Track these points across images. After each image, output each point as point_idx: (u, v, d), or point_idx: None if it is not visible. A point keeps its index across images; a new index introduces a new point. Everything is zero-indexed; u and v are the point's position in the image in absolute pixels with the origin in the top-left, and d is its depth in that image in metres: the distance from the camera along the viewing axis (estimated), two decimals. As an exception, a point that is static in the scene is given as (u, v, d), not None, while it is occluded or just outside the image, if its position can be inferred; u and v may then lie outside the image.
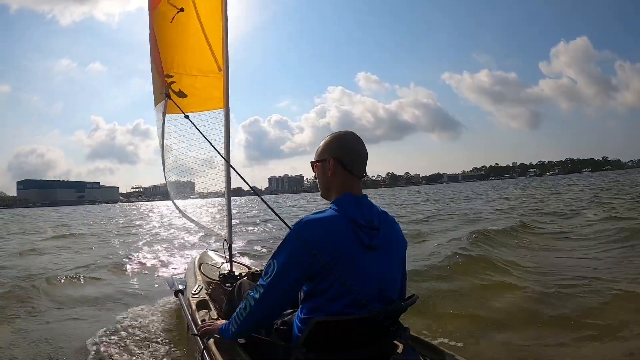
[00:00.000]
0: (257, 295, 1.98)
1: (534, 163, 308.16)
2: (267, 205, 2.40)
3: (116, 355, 3.82)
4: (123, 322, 4.59)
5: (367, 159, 2.16)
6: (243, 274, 3.96)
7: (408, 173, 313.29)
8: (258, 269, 4.14)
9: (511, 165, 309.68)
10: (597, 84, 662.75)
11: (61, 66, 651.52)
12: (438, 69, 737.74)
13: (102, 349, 3.94)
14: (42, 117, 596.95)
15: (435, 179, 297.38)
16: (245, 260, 5.89)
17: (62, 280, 7.08)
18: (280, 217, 2.20)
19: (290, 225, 1.98)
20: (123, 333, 4.30)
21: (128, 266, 8.64)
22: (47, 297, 5.79)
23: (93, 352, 3.85)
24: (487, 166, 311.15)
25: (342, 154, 2.09)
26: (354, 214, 1.98)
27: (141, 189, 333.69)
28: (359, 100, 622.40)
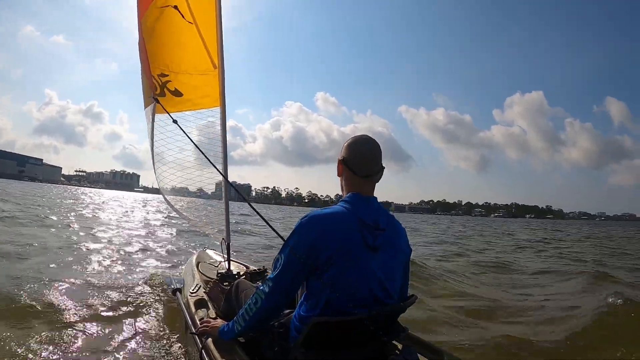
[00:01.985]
0: (267, 289, 2.05)
1: (480, 203, 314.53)
2: (259, 214, 2.48)
3: (113, 354, 3.77)
4: (120, 321, 4.55)
5: (374, 159, 2.19)
6: (241, 273, 3.99)
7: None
8: (256, 268, 4.22)
9: (457, 202, 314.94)
10: (547, 138, 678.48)
11: (26, 31, 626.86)
12: (396, 101, 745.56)
13: (100, 348, 3.86)
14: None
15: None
16: (243, 259, 5.74)
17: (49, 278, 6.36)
18: (270, 225, 2.30)
19: (282, 236, 2.10)
20: (120, 332, 4.25)
21: (127, 263, 8.35)
22: (31, 294, 5.28)
23: (90, 351, 3.77)
24: (435, 201, 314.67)
25: (347, 155, 2.18)
26: (361, 212, 2.04)
27: (84, 174, 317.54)
28: (315, 119, 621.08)
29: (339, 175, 2.25)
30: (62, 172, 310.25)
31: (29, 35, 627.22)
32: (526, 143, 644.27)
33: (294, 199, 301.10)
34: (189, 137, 3.44)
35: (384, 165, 2.23)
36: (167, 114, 3.96)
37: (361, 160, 2.17)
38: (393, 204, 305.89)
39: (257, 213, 2.45)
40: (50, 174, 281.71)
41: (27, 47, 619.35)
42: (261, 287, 2.10)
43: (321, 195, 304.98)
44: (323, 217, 2.02)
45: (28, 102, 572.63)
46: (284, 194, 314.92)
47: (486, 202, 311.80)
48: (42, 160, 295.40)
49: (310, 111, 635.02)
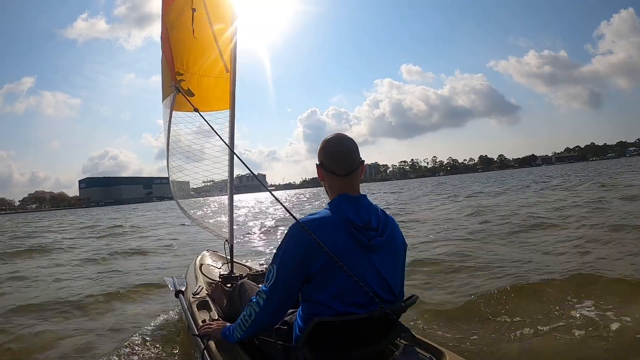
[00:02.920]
0: (260, 302, 2.07)
1: (630, 141, 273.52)
2: (278, 200, 2.51)
3: (116, 355, 3.91)
4: (123, 322, 4.76)
5: (351, 155, 2.18)
6: (244, 275, 4.01)
7: (502, 156, 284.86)
8: (259, 270, 4.30)
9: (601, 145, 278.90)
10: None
11: (128, 79, 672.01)
12: (481, 57, 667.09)
13: (102, 349, 4.06)
14: (112, 125, 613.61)
15: (528, 161, 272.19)
16: (246, 260, 5.83)
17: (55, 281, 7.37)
18: (291, 213, 2.23)
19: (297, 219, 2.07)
20: (123, 333, 4.43)
21: (128, 264, 9.06)
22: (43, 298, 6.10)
23: (92, 352, 3.98)
24: (582, 146, 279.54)
25: (324, 158, 2.20)
26: (349, 214, 2.03)
27: (212, 183, 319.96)
28: (407, 90, 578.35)
29: (320, 180, 2.26)
30: (191, 186, 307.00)
31: (131, 81, 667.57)
32: (635, 68, 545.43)
33: (436, 170, 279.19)
34: (213, 130, 3.50)
35: (362, 159, 2.22)
36: (182, 112, 4.35)
37: (338, 159, 2.17)
38: (539, 158, 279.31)
39: (278, 201, 2.50)
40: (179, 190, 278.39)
41: (131, 91, 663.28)
42: (254, 299, 2.11)
43: (465, 160, 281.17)
44: (311, 223, 1.99)
45: (144, 134, 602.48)
46: (425, 165, 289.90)
47: (638, 139, 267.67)
48: (167, 178, 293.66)
49: (401, 83, 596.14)
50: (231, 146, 4.34)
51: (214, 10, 4.23)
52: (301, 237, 1.94)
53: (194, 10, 4.12)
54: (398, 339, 2.25)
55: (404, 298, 2.18)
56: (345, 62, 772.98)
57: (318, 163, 2.21)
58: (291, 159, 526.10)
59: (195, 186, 5.22)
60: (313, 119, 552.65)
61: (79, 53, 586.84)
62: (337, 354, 2.02)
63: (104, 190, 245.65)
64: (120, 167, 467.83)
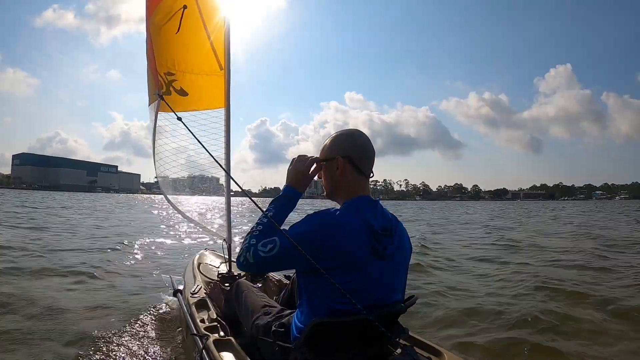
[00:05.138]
0: (264, 253, 1.92)
1: (597, 185, 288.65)
2: (260, 209, 2.22)
3: (114, 355, 3.84)
4: (121, 322, 4.57)
5: (374, 157, 2.15)
6: (242, 274, 3.98)
7: (477, 186, 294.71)
8: None
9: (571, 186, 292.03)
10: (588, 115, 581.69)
11: (88, 70, 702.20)
12: (424, 96, 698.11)
13: (99, 348, 3.92)
14: (66, 109, 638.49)
15: (499, 194, 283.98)
16: None
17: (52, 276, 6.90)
18: (273, 221, 2.12)
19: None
20: (121, 333, 4.29)
21: (126, 263, 8.56)
22: (35, 295, 5.53)
23: (89, 352, 3.84)
24: (551, 185, 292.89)
25: (353, 152, 2.07)
26: (370, 219, 1.97)
27: (186, 179, 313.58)
28: (352, 115, 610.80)
29: (340, 174, 2.07)
30: (141, 180, 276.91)
31: (90, 72, 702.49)
32: (572, 121, 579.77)
33: (407, 194, 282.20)
34: (193, 135, 3.34)
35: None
36: (172, 112, 4.19)
37: (367, 155, 2.10)
38: (510, 192, 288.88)
39: (261, 209, 2.17)
40: (127, 182, 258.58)
41: (90, 80, 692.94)
42: (266, 248, 1.92)
43: (440, 186, 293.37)
44: (336, 222, 1.91)
45: (93, 123, 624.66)
46: (396, 187, 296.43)
47: (605, 183, 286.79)
48: (117, 167, 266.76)
49: (348, 108, 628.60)
50: (227, 144, 4.35)
51: (205, 6, 4.19)
52: (321, 231, 1.88)
53: (184, 7, 4.06)
54: (397, 339, 2.18)
55: (404, 299, 2.20)
56: (299, 80, 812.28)
57: (344, 155, 2.05)
58: (238, 167, 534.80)
59: (181, 181, 4.75)
60: (262, 129, 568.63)
61: (45, 38, 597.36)
62: (336, 355, 2.01)
63: (39, 171, 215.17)
64: (68, 153, 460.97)
